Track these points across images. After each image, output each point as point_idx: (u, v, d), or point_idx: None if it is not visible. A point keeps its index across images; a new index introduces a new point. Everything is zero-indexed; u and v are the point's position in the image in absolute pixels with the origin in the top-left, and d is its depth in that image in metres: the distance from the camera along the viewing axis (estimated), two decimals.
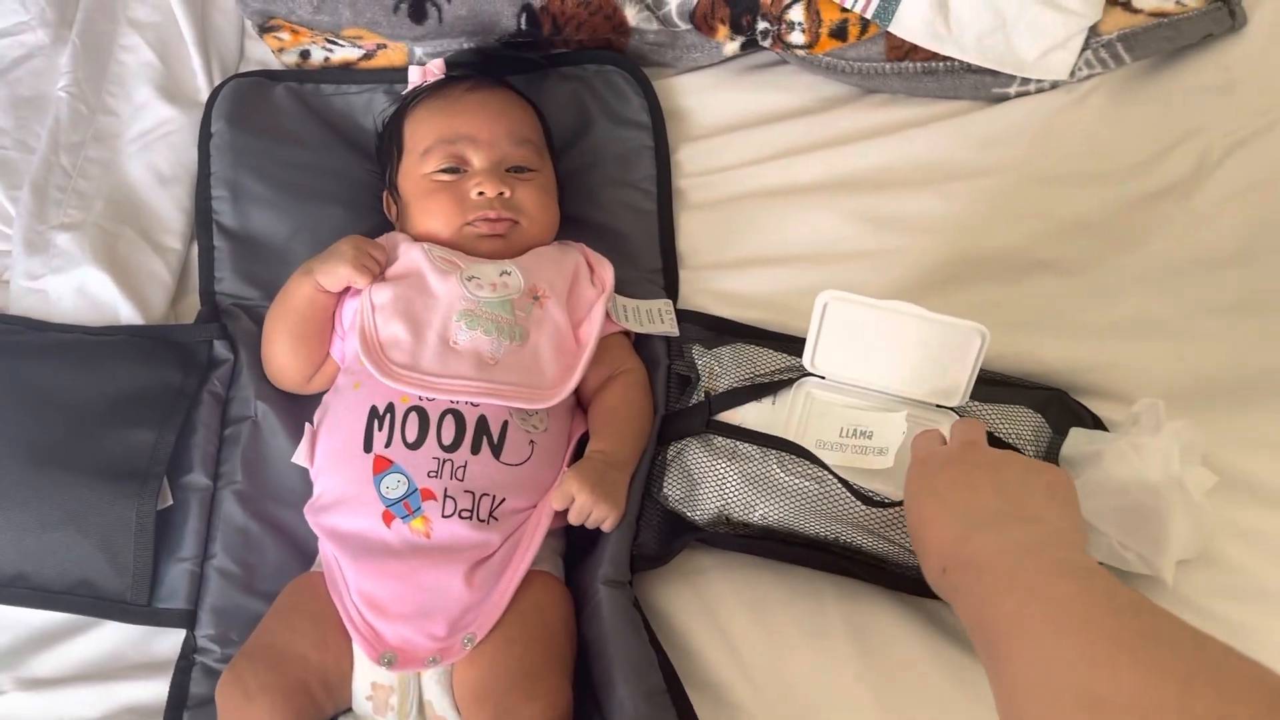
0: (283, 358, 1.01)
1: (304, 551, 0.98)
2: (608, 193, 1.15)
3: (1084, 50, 1.13)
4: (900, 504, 0.88)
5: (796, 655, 0.90)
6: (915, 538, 0.75)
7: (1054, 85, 1.16)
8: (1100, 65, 1.14)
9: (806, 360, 0.95)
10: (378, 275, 0.98)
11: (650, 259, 1.11)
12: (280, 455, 1.01)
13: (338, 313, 1.02)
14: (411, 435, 0.91)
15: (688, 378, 1.04)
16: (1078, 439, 0.92)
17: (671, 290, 1.10)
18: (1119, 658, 0.52)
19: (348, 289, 0.99)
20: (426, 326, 0.95)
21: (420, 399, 0.92)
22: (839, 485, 0.90)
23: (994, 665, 0.59)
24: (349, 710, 0.88)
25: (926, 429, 0.85)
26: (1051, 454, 0.94)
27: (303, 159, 1.13)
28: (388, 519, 0.89)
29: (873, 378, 0.95)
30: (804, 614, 0.93)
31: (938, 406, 0.95)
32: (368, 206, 1.13)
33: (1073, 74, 1.14)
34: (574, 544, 0.98)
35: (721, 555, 0.96)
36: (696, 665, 0.91)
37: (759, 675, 0.90)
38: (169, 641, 0.95)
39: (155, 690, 0.92)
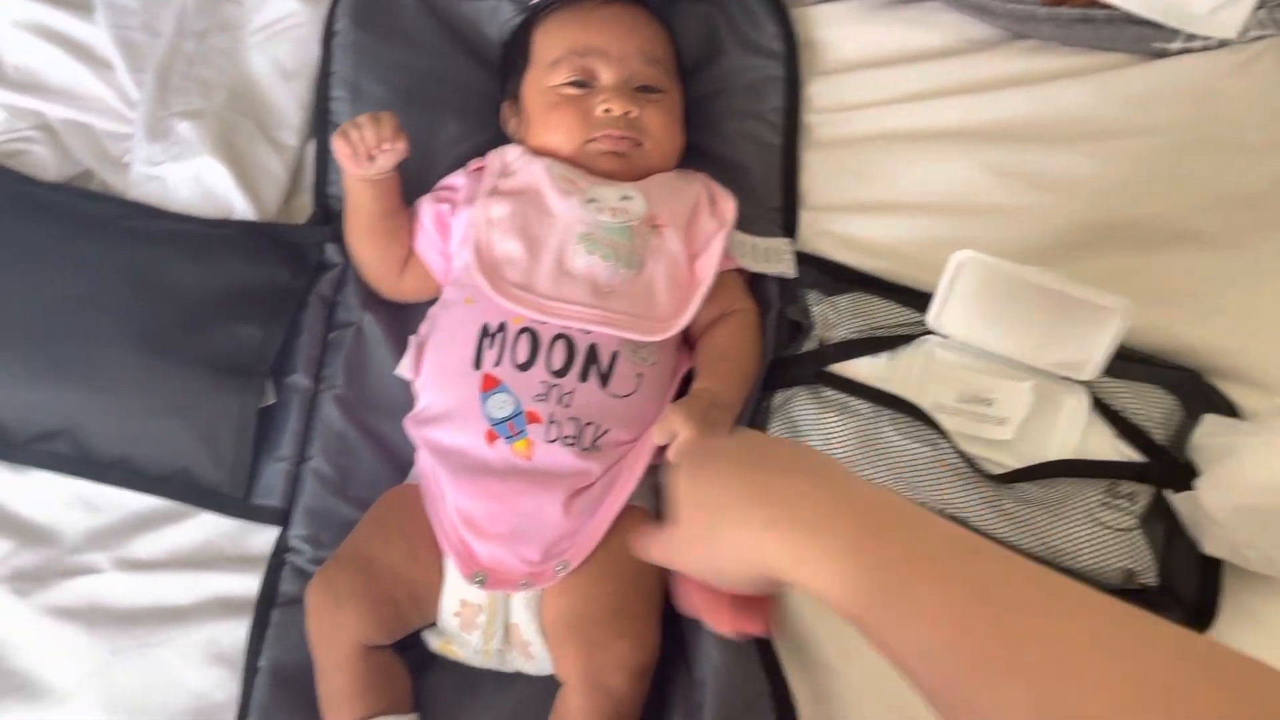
0: (361, 253, 1.01)
1: (398, 462, 0.98)
2: (732, 123, 1.10)
3: (1257, 9, 1.05)
4: (1022, 477, 0.84)
5: None
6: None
7: (1220, 44, 1.07)
8: (1273, 27, 1.06)
9: (931, 318, 0.91)
10: (361, 149, 0.91)
11: (770, 195, 1.07)
12: (381, 364, 1.00)
13: (432, 215, 1.00)
14: (522, 356, 0.89)
15: (798, 323, 1.01)
16: (1213, 426, 0.87)
17: (790, 230, 1.06)
18: None
19: (447, 195, 0.99)
20: (543, 246, 0.93)
21: (532, 321, 0.90)
22: (954, 453, 0.86)
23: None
24: (433, 625, 0.89)
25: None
26: (1181, 439, 0.89)
27: (423, 65, 1.11)
28: (490, 438, 0.88)
29: (1000, 343, 0.90)
30: None
31: (1064, 379, 0.90)
32: (483, 118, 1.10)
33: (1242, 34, 1.06)
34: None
35: None
36: (784, 620, 0.89)
37: (849, 634, 0.87)
38: (261, 538, 0.96)
39: (246, 584, 0.93)
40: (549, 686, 0.88)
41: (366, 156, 0.92)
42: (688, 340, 0.99)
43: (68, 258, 0.97)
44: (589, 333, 0.90)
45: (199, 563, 0.94)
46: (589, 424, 0.88)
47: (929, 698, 0.46)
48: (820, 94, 1.12)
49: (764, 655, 0.85)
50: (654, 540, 0.60)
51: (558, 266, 0.92)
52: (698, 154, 1.08)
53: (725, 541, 0.53)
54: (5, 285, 0.96)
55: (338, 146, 0.92)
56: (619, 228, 0.94)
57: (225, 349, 0.95)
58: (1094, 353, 0.87)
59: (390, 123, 0.92)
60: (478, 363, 0.90)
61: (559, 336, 0.90)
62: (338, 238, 1.02)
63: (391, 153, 0.93)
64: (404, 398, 0.98)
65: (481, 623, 0.86)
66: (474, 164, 1.03)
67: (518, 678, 0.90)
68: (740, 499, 0.53)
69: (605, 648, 0.81)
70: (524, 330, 0.90)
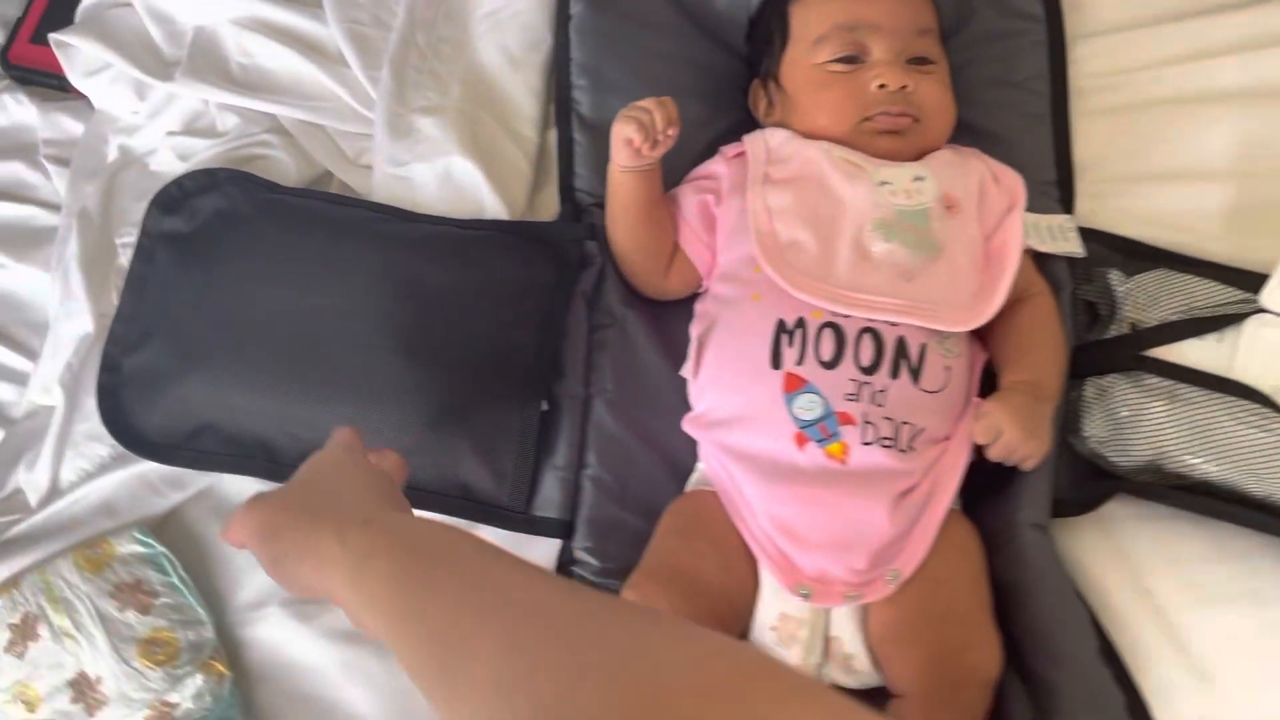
0: (625, 249, 0.95)
1: (675, 464, 0.93)
2: (988, 93, 1.03)
3: None
4: None
5: (1234, 624, 0.82)
6: None
7: None
8: None
9: (1268, 295, 0.84)
10: (652, 133, 0.87)
11: (1041, 169, 1.00)
12: (648, 364, 0.95)
13: (695, 207, 0.95)
14: (827, 354, 0.84)
15: (1093, 305, 0.94)
16: None
17: (1067, 206, 0.99)
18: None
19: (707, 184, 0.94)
20: (836, 235, 0.87)
21: (834, 315, 0.84)
22: None
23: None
24: (743, 639, 0.84)
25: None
26: None
27: (661, 47, 1.05)
28: (800, 441, 0.82)
29: None
30: (1235, 576, 0.84)
31: None
32: (728, 101, 1.05)
33: None
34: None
35: (1136, 504, 0.87)
36: (1120, 626, 0.83)
37: (1194, 646, 0.81)
38: (539, 551, 0.91)
39: None
40: (869, 700, 0.83)
41: (652, 143, 0.86)
42: (976, 331, 0.92)
43: (327, 266, 0.93)
44: (895, 325, 0.84)
45: None
46: (904, 423, 0.83)
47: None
48: (1087, 58, 1.05)
49: (1113, 665, 0.79)
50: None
51: (857, 256, 0.86)
52: (954, 129, 1.01)
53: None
54: (267, 298, 0.92)
55: (622, 132, 0.87)
56: (916, 211, 0.87)
57: (498, 356, 0.91)
58: None
59: (673, 107, 0.87)
60: (776, 361, 0.84)
61: (865, 330, 0.84)
62: (595, 234, 0.97)
63: (668, 140, 0.88)
64: (675, 399, 0.93)
65: (803, 637, 0.81)
66: (731, 149, 0.97)
67: None
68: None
69: (954, 662, 0.76)
70: (826, 325, 0.84)
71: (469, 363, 0.90)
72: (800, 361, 0.84)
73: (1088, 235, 0.96)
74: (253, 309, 0.91)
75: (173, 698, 0.85)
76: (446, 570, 0.50)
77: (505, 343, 0.91)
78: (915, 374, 0.84)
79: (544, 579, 0.49)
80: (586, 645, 0.42)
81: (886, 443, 0.82)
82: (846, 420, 0.82)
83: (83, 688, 0.86)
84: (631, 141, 0.86)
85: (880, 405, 0.82)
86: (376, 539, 0.55)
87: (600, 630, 0.43)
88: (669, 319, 0.98)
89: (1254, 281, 0.86)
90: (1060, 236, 0.95)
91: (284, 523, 0.61)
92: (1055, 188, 1.00)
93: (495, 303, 0.92)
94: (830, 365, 0.83)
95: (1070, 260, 0.95)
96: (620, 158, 0.90)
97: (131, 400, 0.92)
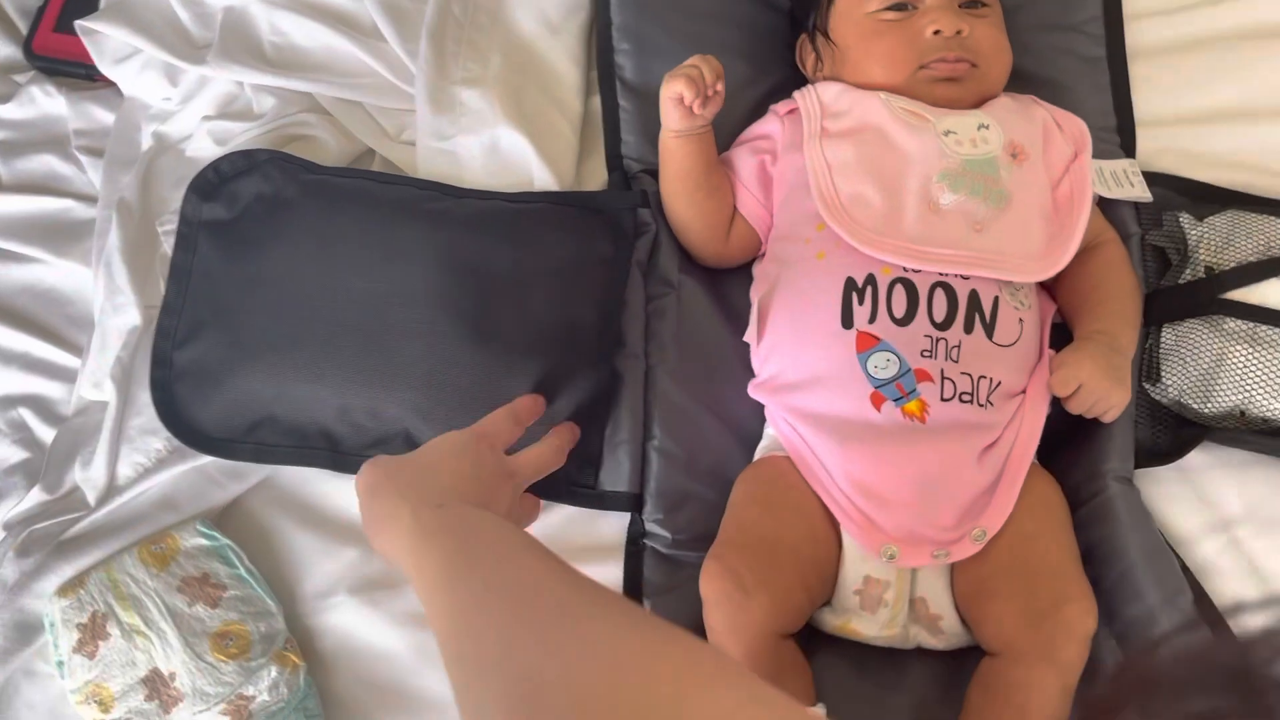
0: (684, 218, 0.93)
1: (741, 432, 0.91)
2: (1042, 38, 1.01)
3: None
4: None
5: None
6: None
7: None
8: None
9: None
10: (703, 88, 0.84)
11: (1100, 114, 0.98)
12: (708, 330, 0.93)
13: (753, 168, 0.92)
14: (899, 310, 0.82)
15: (1162, 250, 0.92)
16: None
17: (1129, 150, 0.97)
18: None
19: (763, 144, 0.93)
20: (902, 188, 0.85)
21: (905, 270, 0.82)
22: None
23: None
24: (826, 604, 0.82)
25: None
26: None
27: (703, 5, 1.02)
28: (877, 401, 0.81)
29: None
30: None
31: None
32: (772, 58, 1.02)
33: None
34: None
35: (1218, 452, 0.85)
36: (1208, 577, 0.82)
37: None
38: (610, 525, 0.90)
39: (604, 574, 0.87)
40: (954, 660, 0.82)
41: (703, 99, 0.84)
42: (1044, 282, 0.90)
43: (380, 249, 0.90)
44: (967, 278, 0.82)
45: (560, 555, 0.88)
46: (982, 378, 0.81)
47: None
48: None
49: (1208, 616, 0.78)
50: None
51: (925, 208, 0.84)
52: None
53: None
54: (320, 284, 0.89)
55: (674, 92, 0.84)
56: (983, 160, 0.85)
57: (561, 334, 0.88)
58: None
59: (717, 62, 0.85)
60: (847, 320, 0.82)
61: (937, 285, 0.82)
62: (647, 201, 0.95)
63: (718, 98, 0.86)
64: (737, 365, 0.91)
65: (890, 599, 0.80)
66: (782, 107, 0.95)
67: (912, 654, 0.83)
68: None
69: (1053, 617, 0.74)
70: (897, 281, 0.82)
71: (532, 343, 0.88)
72: (873, 319, 0.82)
73: (1152, 179, 0.94)
74: (306, 295, 0.89)
75: (248, 690, 0.84)
76: (489, 561, 0.57)
77: (567, 320, 0.89)
78: (989, 328, 0.82)
79: (567, 580, 0.54)
80: (564, 636, 0.48)
81: (965, 398, 0.80)
82: (924, 377, 0.80)
83: (157, 685, 0.84)
84: (683, 99, 0.84)
85: (956, 360, 0.81)
86: (443, 522, 0.62)
87: (579, 624, 0.50)
88: (727, 284, 0.96)
89: None
90: (1125, 182, 0.92)
91: (382, 488, 0.68)
92: (1115, 133, 0.97)
93: (554, 279, 0.90)
94: (903, 322, 0.81)
95: (1137, 206, 0.93)
96: (672, 121, 0.88)
97: (187, 395, 0.90)
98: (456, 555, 0.58)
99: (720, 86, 0.86)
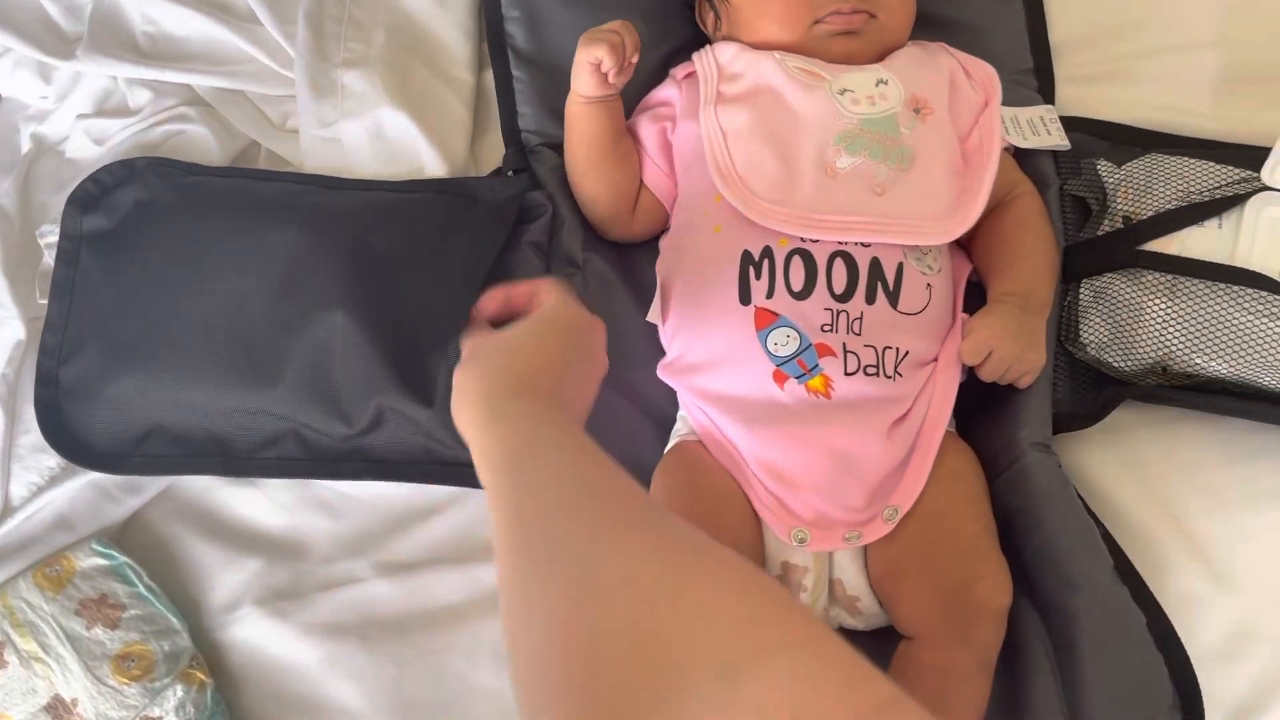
0: (590, 190, 0.89)
1: (655, 416, 0.87)
2: None
3: None
4: None
5: (1254, 526, 0.78)
6: None
7: None
8: None
9: (1269, 171, 0.77)
10: (623, 56, 0.81)
11: (1017, 58, 0.93)
12: (616, 310, 0.89)
13: (655, 137, 0.88)
14: (797, 283, 0.78)
15: (1083, 200, 0.88)
16: None
17: (1047, 95, 0.92)
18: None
19: (662, 111, 0.88)
20: (798, 153, 0.80)
21: (803, 241, 0.78)
22: None
23: None
24: None
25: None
26: None
27: None
28: (779, 379, 0.77)
29: None
30: (1253, 477, 0.79)
31: None
32: (673, 17, 0.97)
33: None
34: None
35: (1143, 410, 0.82)
36: (1136, 540, 0.78)
37: (1214, 552, 0.77)
38: None
39: None
40: (878, 639, 0.79)
41: (619, 69, 0.80)
42: (959, 241, 0.86)
43: (255, 247, 0.86)
44: (868, 246, 0.78)
45: (464, 556, 0.85)
46: (887, 348, 0.77)
47: None
48: None
49: (1129, 580, 0.75)
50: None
51: (821, 174, 0.79)
52: (916, 22, 0.94)
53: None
54: (199, 288, 0.85)
55: (594, 56, 0.79)
56: (882, 118, 0.81)
57: (443, 321, 0.84)
58: None
59: (636, 34, 0.80)
60: (744, 297, 0.79)
61: (836, 254, 0.78)
62: (536, 184, 0.90)
63: (630, 68, 0.82)
64: (649, 346, 0.88)
65: (809, 584, 0.76)
66: (680, 70, 0.90)
67: None
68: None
69: (962, 596, 0.72)
70: (794, 252, 0.78)
71: (411, 330, 0.84)
72: (770, 294, 0.78)
73: (1071, 124, 0.89)
74: (184, 301, 0.85)
75: (154, 712, 0.81)
76: (549, 454, 0.57)
77: (450, 309, 0.85)
78: (893, 296, 0.78)
79: (621, 489, 0.54)
80: (624, 536, 0.49)
81: (870, 370, 0.76)
82: (825, 352, 0.77)
83: (59, 712, 0.82)
84: (601, 65, 0.79)
85: (858, 333, 0.77)
86: (513, 409, 0.61)
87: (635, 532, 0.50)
88: (635, 261, 0.92)
89: (1252, 157, 0.79)
90: (1042, 129, 0.88)
91: (477, 354, 0.67)
92: (1032, 76, 0.93)
93: (432, 269, 0.86)
94: (802, 295, 0.77)
95: (1055, 154, 0.88)
96: (584, 86, 0.83)
97: (72, 412, 0.87)
98: (518, 450, 0.58)
99: (635, 59, 0.82)
